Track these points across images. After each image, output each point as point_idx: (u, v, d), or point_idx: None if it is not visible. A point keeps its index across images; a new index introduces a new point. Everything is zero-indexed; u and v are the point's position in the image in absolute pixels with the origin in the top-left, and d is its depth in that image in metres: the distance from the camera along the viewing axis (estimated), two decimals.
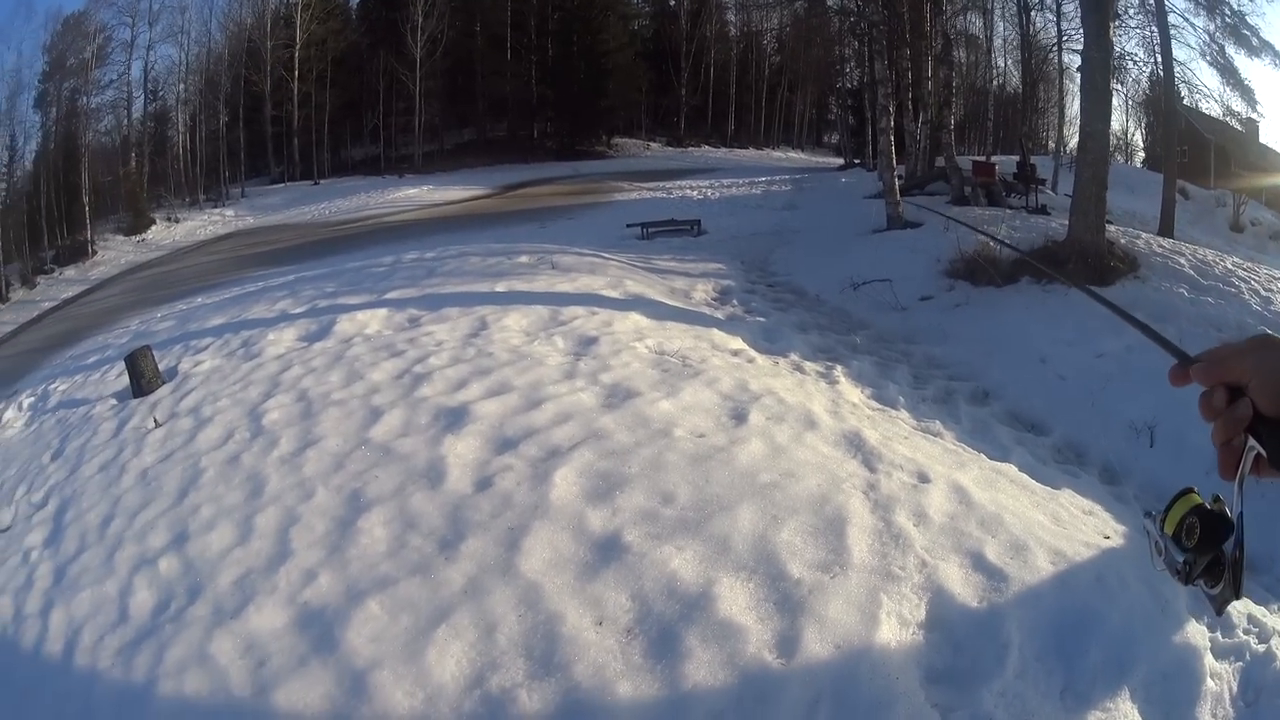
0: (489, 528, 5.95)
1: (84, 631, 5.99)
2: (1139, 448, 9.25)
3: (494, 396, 8.35)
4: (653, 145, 64.33)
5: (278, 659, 5.08)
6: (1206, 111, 33.35)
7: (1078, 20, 25.34)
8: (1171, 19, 24.21)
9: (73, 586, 6.68)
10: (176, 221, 45.03)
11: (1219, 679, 4.91)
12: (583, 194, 36.98)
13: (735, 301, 14.81)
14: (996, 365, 11.55)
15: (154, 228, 44.28)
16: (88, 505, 8.08)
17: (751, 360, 10.53)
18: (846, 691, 4.43)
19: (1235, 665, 5.10)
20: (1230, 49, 26.68)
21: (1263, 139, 42.84)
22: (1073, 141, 29.74)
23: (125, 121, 50.91)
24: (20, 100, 46.62)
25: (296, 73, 52.38)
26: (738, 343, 11.26)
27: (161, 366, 11.60)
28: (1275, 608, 6.31)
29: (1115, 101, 21.20)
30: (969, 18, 40.96)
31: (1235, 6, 25.88)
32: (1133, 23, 27.69)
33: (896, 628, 4.79)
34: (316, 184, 51.15)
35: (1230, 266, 13.63)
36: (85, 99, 47.86)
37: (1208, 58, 27.12)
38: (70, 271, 39.88)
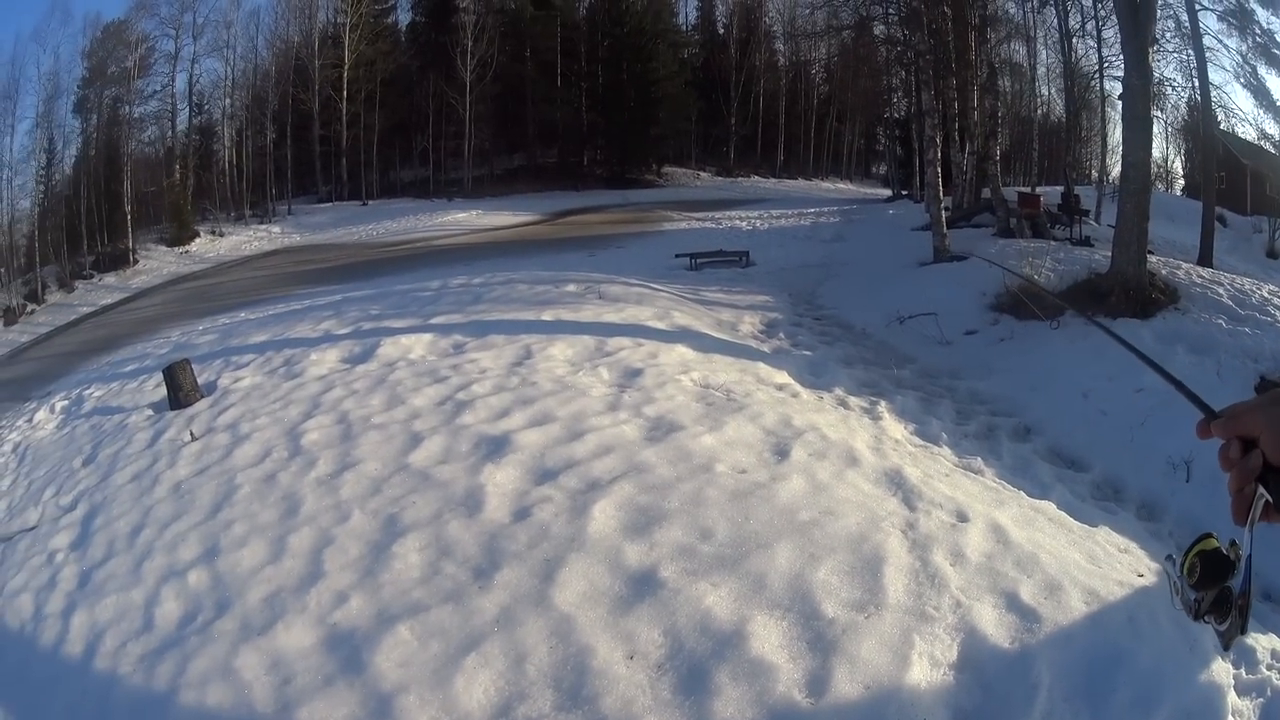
0: (524, 558, 6.00)
1: (106, 636, 6.11)
2: (1175, 483, 9.18)
3: (536, 426, 8.42)
4: (702, 174, 64.29)
5: (303, 677, 5.16)
6: (1242, 135, 33.02)
7: (1118, 47, 25.33)
8: (1206, 41, 24.08)
9: (98, 591, 6.81)
10: (221, 235, 45.39)
11: (1240, 716, 4.90)
12: (632, 223, 37.05)
13: (782, 334, 14.83)
14: (1039, 400, 11.51)
15: (198, 240, 44.62)
16: (118, 513, 8.23)
17: (796, 395, 10.54)
18: None
19: (1257, 701, 5.07)
20: (1262, 69, 26.49)
21: None
22: (1115, 171, 29.63)
23: (170, 133, 51.37)
24: (58, 104, 47.17)
25: (345, 93, 52.58)
26: (783, 377, 11.29)
27: (201, 380, 11.78)
28: None
29: (1155, 129, 21.07)
30: (1012, 45, 40.76)
31: (1265, 25, 25.71)
32: (1170, 47, 27.51)
33: (928, 668, 4.81)
34: (364, 204, 51.41)
35: (1267, 295, 13.52)
36: (128, 108, 48.34)
37: (1241, 79, 26.96)
38: (110, 278, 40.20)
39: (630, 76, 59.89)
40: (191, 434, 9.87)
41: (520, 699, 4.79)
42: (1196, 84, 25.11)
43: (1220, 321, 12.42)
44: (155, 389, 12.07)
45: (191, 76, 52.30)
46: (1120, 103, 16.19)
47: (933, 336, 14.67)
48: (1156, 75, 24.20)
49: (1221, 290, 13.74)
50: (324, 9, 55.42)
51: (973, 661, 4.90)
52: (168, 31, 50.17)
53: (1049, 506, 7.60)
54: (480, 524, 6.59)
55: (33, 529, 8.61)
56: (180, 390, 11.28)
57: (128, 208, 43.83)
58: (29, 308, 38.02)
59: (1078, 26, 32.20)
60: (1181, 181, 52.32)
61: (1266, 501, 1.47)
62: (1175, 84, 30.19)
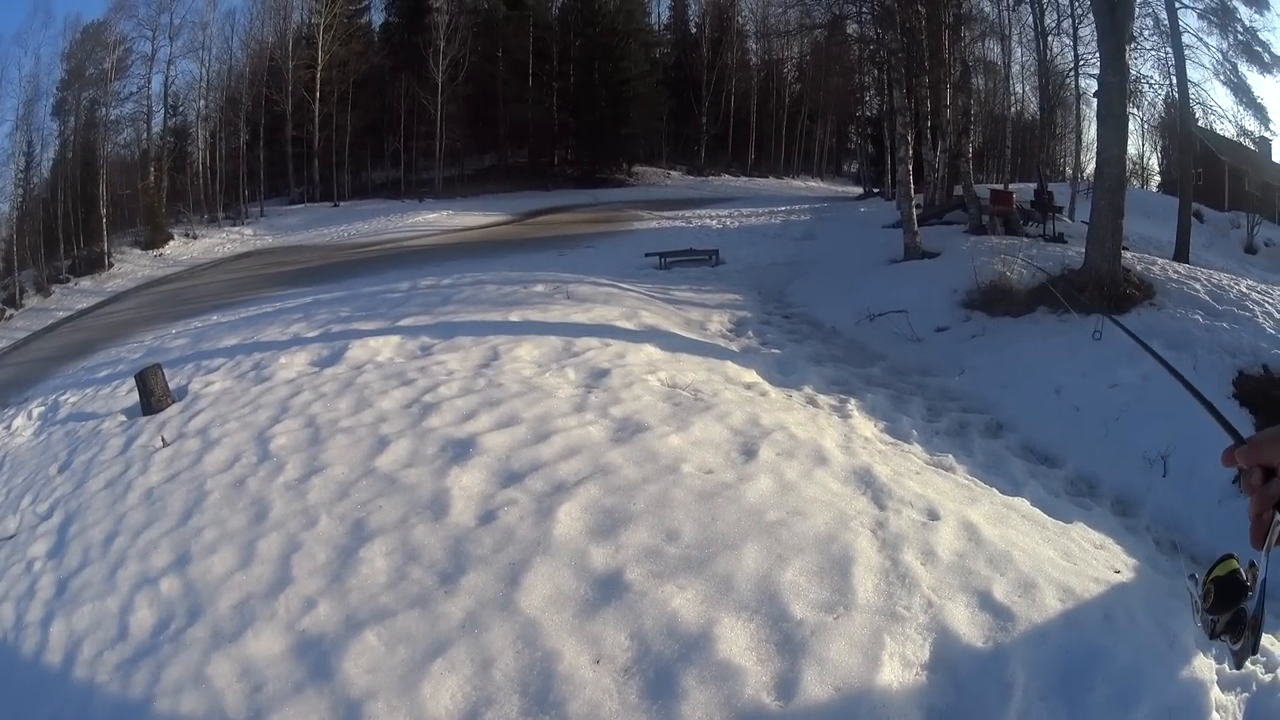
0: (490, 562, 5.93)
1: (84, 644, 6.03)
2: (1152, 478, 9.21)
3: (502, 428, 8.33)
4: (673, 174, 64.35)
5: (274, 685, 5.09)
6: (1221, 132, 33.17)
7: (1094, 45, 25.29)
8: (1185, 39, 24.12)
9: (74, 600, 6.72)
10: (195, 238, 45.17)
11: (1224, 711, 4.89)
12: (602, 222, 37.05)
13: (751, 333, 14.79)
14: (1011, 397, 11.49)
15: (172, 243, 44.40)
16: (92, 520, 8.12)
17: (764, 394, 10.49)
18: None
19: (1242, 696, 5.07)
20: (1243, 67, 26.55)
21: (1276, 157, 42.59)
22: (1090, 168, 29.67)
23: (145, 135, 50.98)
24: (38, 107, 46.79)
25: (318, 93, 52.48)
26: (751, 375, 11.23)
27: (172, 385, 11.63)
28: None
29: (1131, 126, 21.08)
30: (987, 44, 40.82)
31: (1247, 23, 25.78)
32: (1147, 45, 27.56)
33: (899, 669, 4.75)
34: (336, 206, 51.26)
35: (1245, 290, 13.53)
36: (104, 110, 48.01)
37: (1221, 77, 26.97)
38: (86, 282, 40.00)
39: (602, 76, 59.96)
40: (163, 440, 9.76)
41: (487, 704, 4.73)
42: (1174, 81, 25.16)
43: (1197, 316, 12.39)
44: (128, 394, 11.94)
45: (167, 78, 52.00)
46: (1095, 100, 16.20)
47: (903, 334, 14.65)
48: (1133, 73, 24.28)
49: (1198, 285, 13.73)
50: (299, 9, 55.34)
51: (945, 661, 4.84)
52: (145, 32, 49.85)
53: (1022, 503, 7.57)
54: (446, 528, 6.51)
55: (11, 537, 8.49)
56: (152, 395, 11.16)
57: (103, 211, 43.54)
58: (7, 312, 37.87)
59: (1054, 25, 32.28)
60: (1158, 178, 52.71)
61: None
62: (1152, 81, 30.28)
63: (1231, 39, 25.86)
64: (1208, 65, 26.64)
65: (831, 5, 28.14)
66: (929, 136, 26.91)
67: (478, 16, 58.10)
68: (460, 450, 7.89)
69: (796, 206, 39.99)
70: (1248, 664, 5.29)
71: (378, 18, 63.32)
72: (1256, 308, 12.58)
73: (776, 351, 13.33)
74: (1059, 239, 21.13)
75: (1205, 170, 38.64)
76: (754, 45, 69.30)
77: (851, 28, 30.31)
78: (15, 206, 45.72)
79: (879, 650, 4.82)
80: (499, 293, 16.41)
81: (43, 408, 13.46)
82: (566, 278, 18.34)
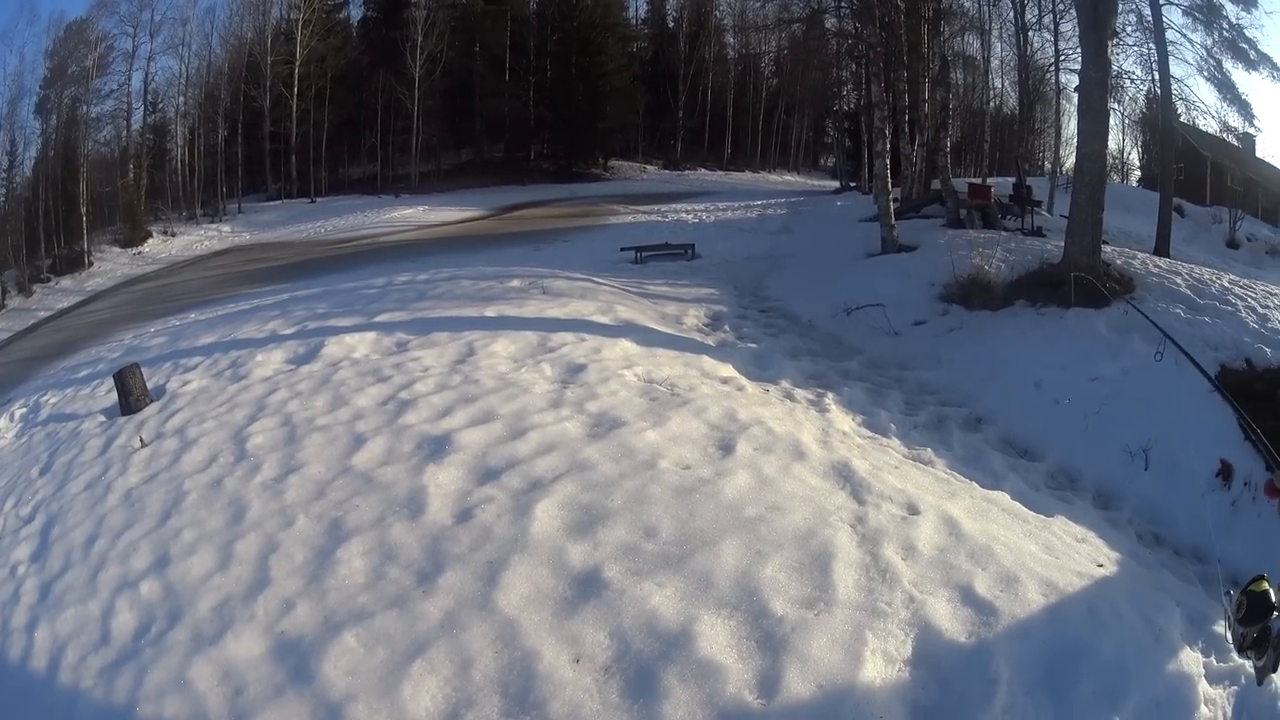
0: (468, 561, 5.89)
1: (68, 649, 5.98)
2: (1133, 471, 9.22)
3: (478, 425, 8.27)
4: (649, 168, 64.14)
5: (254, 688, 5.07)
6: (1203, 128, 33.18)
7: (1075, 40, 25.22)
8: (1169, 35, 24.08)
9: (58, 604, 6.65)
10: (173, 235, 44.73)
11: (1213, 704, 4.92)
12: (578, 217, 36.83)
13: (727, 327, 14.73)
14: (990, 390, 11.45)
15: (150, 241, 43.91)
16: (73, 523, 8.03)
17: (741, 388, 10.44)
18: None
19: (1230, 690, 5.10)
20: (1228, 64, 26.46)
21: (1259, 153, 42.77)
22: (1069, 162, 29.66)
23: (124, 132, 50.33)
24: (21, 105, 46.14)
25: (296, 89, 51.99)
26: (728, 370, 11.20)
27: (150, 384, 11.52)
28: None
29: (1111, 121, 21.03)
30: (966, 39, 40.84)
31: (1233, 20, 25.72)
32: (1130, 40, 27.48)
33: (882, 665, 4.75)
34: (313, 202, 50.87)
35: (1227, 284, 13.52)
36: (85, 108, 47.49)
37: (1205, 73, 26.83)
38: (66, 281, 39.59)
39: (579, 70, 59.69)
40: (141, 440, 9.65)
41: (468, 705, 4.72)
42: (1157, 77, 25.09)
43: (1178, 310, 12.35)
44: (108, 394, 11.80)
45: (147, 75, 51.41)
46: (1076, 95, 16.17)
47: (880, 327, 14.59)
48: (1115, 68, 24.28)
49: (1180, 280, 13.70)
50: (278, 5, 54.79)
51: (928, 657, 4.84)
52: (126, 29, 49.12)
53: (1002, 497, 7.58)
54: (423, 526, 6.47)
55: None
56: (130, 395, 11.06)
57: (83, 209, 43.10)
58: None
59: (1035, 20, 32.19)
60: (1138, 173, 52.85)
61: None
62: (1134, 76, 30.23)
63: (1217, 35, 25.80)
64: (1191, 61, 26.52)
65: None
66: (906, 130, 26.89)
67: (455, 11, 57.87)
68: (436, 447, 7.82)
69: (772, 201, 39.83)
70: (1235, 658, 5.30)
71: (356, 13, 62.94)
72: (1239, 302, 12.56)
73: (753, 346, 13.32)
74: (1038, 233, 21.13)
75: (1187, 165, 38.72)
76: (732, 39, 69.18)
77: (830, 22, 30.36)
78: None
79: (861, 646, 4.81)
80: (475, 288, 16.30)
81: (25, 409, 13.32)
82: (542, 273, 18.23)
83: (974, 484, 7.97)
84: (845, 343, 14.30)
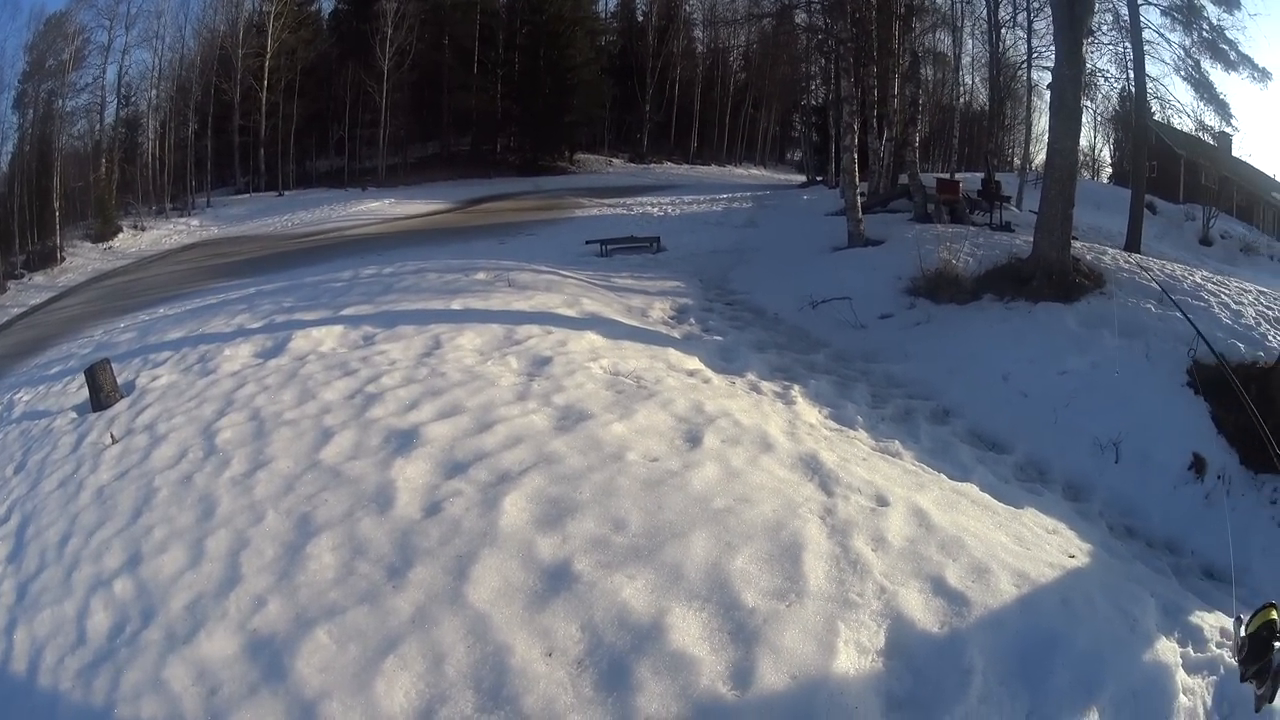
0: (437, 555, 5.85)
1: (46, 652, 5.90)
2: (1104, 464, 9.28)
3: (445, 418, 8.21)
4: (615, 161, 64.14)
5: (229, 687, 5.02)
6: (1178, 127, 33.39)
7: (1049, 38, 25.37)
8: (1146, 34, 24.20)
9: (34, 605, 6.57)
10: (143, 230, 44.40)
11: (1192, 694, 4.95)
12: (543, 210, 36.81)
13: (692, 320, 14.65)
14: (957, 383, 11.47)
15: (121, 235, 43.56)
16: (47, 522, 7.93)
17: (707, 380, 10.43)
18: None
19: (1209, 679, 5.14)
20: (1206, 64, 26.61)
21: (1235, 152, 43.08)
22: (1039, 158, 29.81)
23: (98, 126, 50.09)
24: (0, 100, 46.19)
25: (266, 82, 51.76)
26: (694, 362, 11.17)
27: (120, 380, 11.42)
28: None
29: (1084, 118, 21.11)
30: (937, 35, 40.92)
31: (1214, 21, 25.83)
32: (1105, 40, 27.68)
33: (855, 656, 4.75)
34: (281, 195, 50.61)
35: (1200, 280, 13.60)
36: (61, 101, 47.14)
37: (1182, 73, 26.96)
38: (40, 278, 39.22)
39: (547, 64, 59.61)
40: (112, 436, 9.56)
41: (441, 701, 4.69)
42: (1132, 75, 25.24)
43: (1149, 305, 12.39)
44: (79, 390, 11.69)
45: (121, 68, 51.00)
46: (1048, 92, 16.19)
47: (847, 321, 14.58)
48: (1089, 66, 24.35)
49: (1151, 275, 13.74)
50: None
51: (901, 647, 4.85)
52: (103, 22, 48.74)
53: (971, 489, 7.61)
54: (392, 521, 6.41)
55: None
56: (101, 391, 10.96)
57: (56, 204, 42.77)
58: None
59: (1008, 17, 32.28)
60: (1109, 170, 53.18)
61: None
62: (1108, 75, 30.42)
63: (1196, 36, 25.92)
64: (1168, 61, 26.63)
65: None
66: (875, 125, 26.92)
67: (426, 3, 57.68)
68: (404, 441, 7.76)
69: (739, 194, 39.90)
70: (1213, 648, 5.34)
71: (327, 5, 62.84)
72: (1211, 298, 12.63)
73: (719, 338, 13.28)
74: (1006, 228, 21.21)
75: (1160, 163, 39.08)
76: (701, 34, 69.30)
77: (800, 17, 30.28)
78: None
79: (833, 637, 4.81)
80: (441, 281, 16.23)
81: (0, 407, 13.22)
82: (508, 266, 18.19)
83: (942, 476, 7.98)
84: (811, 336, 14.28)
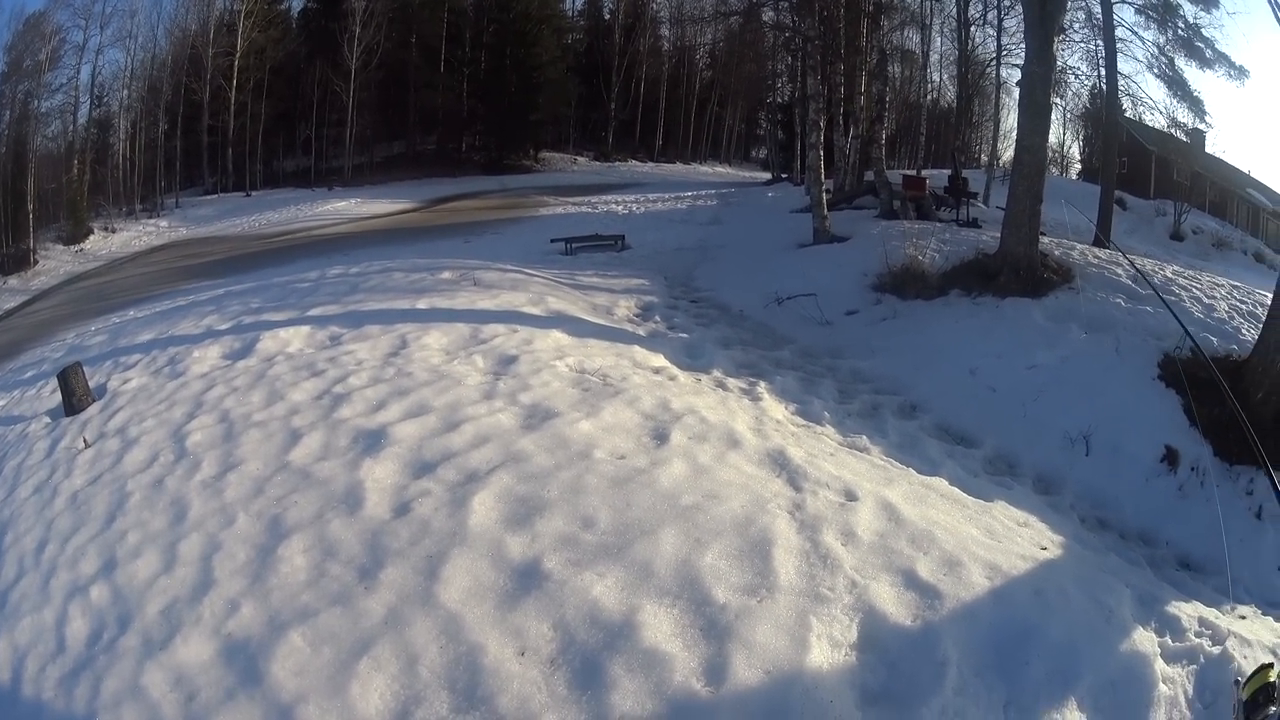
0: (408, 555, 5.82)
1: (28, 660, 5.85)
2: (1074, 457, 9.35)
3: (412, 418, 8.18)
4: (580, 159, 64.12)
5: (206, 692, 5.00)
6: (1150, 123, 33.48)
7: (1018, 35, 25.37)
8: (1119, 32, 24.27)
9: (14, 613, 6.50)
10: (114, 231, 44.05)
11: (1172, 683, 4.97)
12: (508, 208, 36.80)
13: (658, 318, 14.65)
14: (924, 378, 11.51)
15: (92, 237, 43.22)
16: (24, 529, 7.86)
17: (673, 378, 10.43)
18: (780, 717, 4.39)
19: (1189, 669, 5.16)
20: (1181, 62, 26.63)
21: (1210, 148, 43.24)
22: (1007, 155, 29.88)
23: (71, 127, 49.78)
24: None
25: (235, 81, 51.52)
26: (659, 360, 11.16)
27: (92, 383, 11.32)
28: (1228, 609, 6.47)
29: (1053, 115, 21.16)
30: (905, 33, 41.03)
31: (1191, 19, 25.88)
32: (1077, 37, 27.74)
33: (828, 650, 4.76)
34: (248, 195, 50.39)
35: (1170, 275, 13.72)
36: (36, 102, 46.83)
37: (1155, 70, 27.00)
38: (14, 281, 38.84)
39: (513, 62, 59.49)
40: (85, 441, 9.48)
41: (416, 702, 4.68)
42: (1103, 73, 25.28)
43: (1119, 300, 12.48)
44: (52, 394, 11.58)
45: (95, 68, 50.51)
46: (1017, 89, 16.22)
47: (813, 317, 14.62)
48: (1060, 64, 24.43)
49: (1120, 270, 13.84)
50: None
51: (875, 641, 4.86)
52: (79, 22, 48.41)
53: (940, 483, 7.63)
54: (362, 522, 6.38)
55: None
56: (74, 395, 10.87)
57: (30, 206, 42.53)
58: None
59: (978, 15, 32.30)
60: (1079, 166, 53.38)
61: None
62: (1079, 72, 30.55)
63: (1171, 34, 25.97)
64: (1141, 58, 26.68)
65: None
66: (841, 123, 26.95)
67: (394, 1, 57.61)
68: (372, 442, 7.72)
69: (704, 192, 40.02)
70: (1192, 637, 5.36)
71: (297, 3, 62.58)
72: (1183, 292, 12.74)
73: (684, 336, 13.28)
74: (973, 224, 21.29)
75: (1131, 159, 39.27)
76: (667, 32, 69.32)
77: (768, 15, 30.28)
78: None
79: (806, 632, 4.81)
80: (406, 280, 16.15)
81: None
82: (473, 264, 18.11)
83: (911, 470, 8.01)
84: (777, 332, 14.32)
